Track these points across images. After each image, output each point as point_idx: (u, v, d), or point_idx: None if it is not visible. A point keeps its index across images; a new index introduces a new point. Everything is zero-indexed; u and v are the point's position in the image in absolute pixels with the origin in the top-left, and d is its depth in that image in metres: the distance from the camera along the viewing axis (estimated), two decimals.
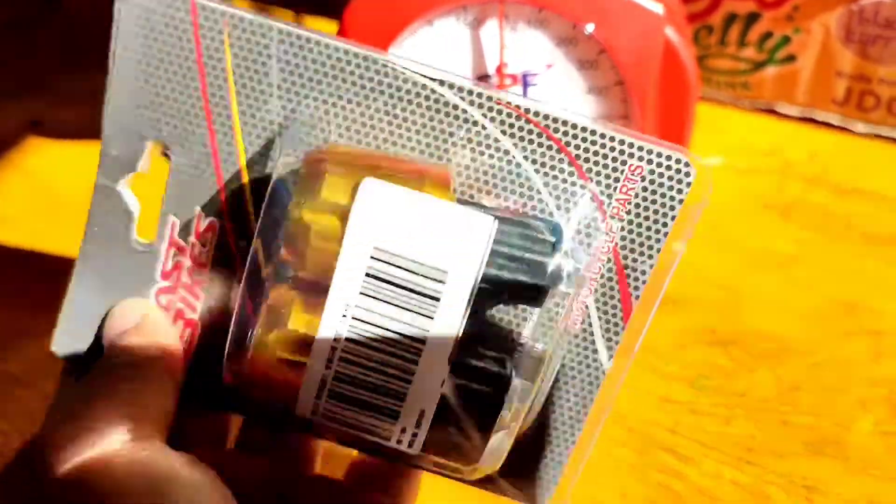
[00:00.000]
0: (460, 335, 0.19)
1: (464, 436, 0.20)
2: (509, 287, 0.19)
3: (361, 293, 0.18)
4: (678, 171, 0.21)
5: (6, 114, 0.64)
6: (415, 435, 0.19)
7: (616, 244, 0.22)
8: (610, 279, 0.22)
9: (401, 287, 0.18)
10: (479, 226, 0.18)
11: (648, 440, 0.36)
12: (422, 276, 0.18)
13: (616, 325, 0.22)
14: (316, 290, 0.18)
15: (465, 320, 0.19)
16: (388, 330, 0.18)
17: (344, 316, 0.18)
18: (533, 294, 0.20)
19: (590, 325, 0.22)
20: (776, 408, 0.37)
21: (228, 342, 0.20)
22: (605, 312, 0.22)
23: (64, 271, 0.24)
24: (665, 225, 0.22)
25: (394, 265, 0.18)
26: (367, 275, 0.18)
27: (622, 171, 0.21)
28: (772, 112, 0.56)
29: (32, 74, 0.68)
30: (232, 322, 0.20)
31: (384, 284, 0.18)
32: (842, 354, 0.39)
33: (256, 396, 0.21)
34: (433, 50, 0.38)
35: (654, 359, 0.40)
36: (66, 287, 0.24)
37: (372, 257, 0.18)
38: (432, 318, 0.18)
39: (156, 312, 0.23)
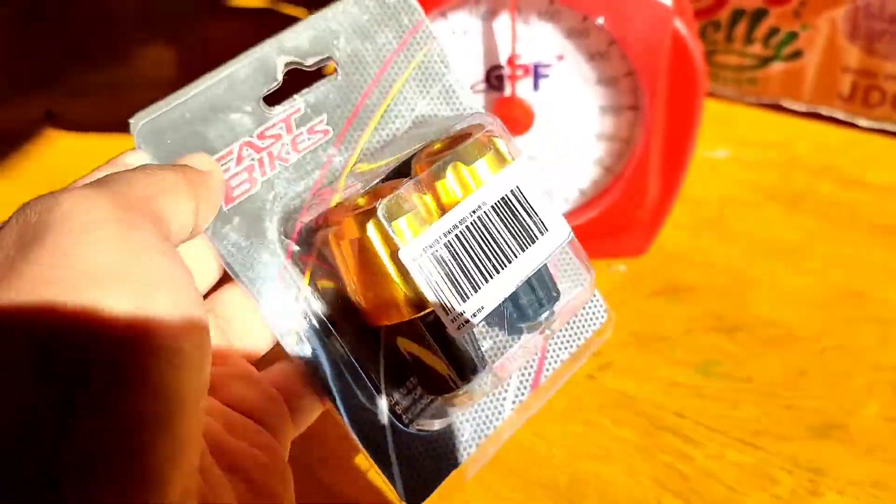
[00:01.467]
0: (530, 276, 0.25)
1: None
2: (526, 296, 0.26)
3: (492, 206, 0.24)
4: (598, 313, 0.29)
5: (20, 106, 0.65)
6: (466, 322, 0.23)
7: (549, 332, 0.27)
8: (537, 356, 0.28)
9: (517, 219, 0.25)
10: (564, 226, 0.26)
11: (656, 423, 0.37)
12: (532, 221, 0.25)
13: (525, 388, 0.28)
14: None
15: (537, 269, 0.25)
16: (493, 239, 0.24)
17: (473, 212, 0.24)
18: (522, 315, 0.27)
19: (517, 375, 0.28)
20: (782, 392, 0.38)
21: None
22: (523, 374, 0.28)
23: None
24: (579, 338, 0.29)
25: (520, 203, 0.25)
26: (502, 198, 0.24)
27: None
28: (778, 107, 0.57)
29: (45, 68, 0.69)
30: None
31: (508, 212, 0.25)
32: (848, 341, 0.40)
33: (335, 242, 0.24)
34: (446, 42, 0.39)
35: (662, 344, 0.41)
36: None
37: (510, 191, 0.25)
38: (524, 251, 0.25)
39: (221, 176, 0.24)
